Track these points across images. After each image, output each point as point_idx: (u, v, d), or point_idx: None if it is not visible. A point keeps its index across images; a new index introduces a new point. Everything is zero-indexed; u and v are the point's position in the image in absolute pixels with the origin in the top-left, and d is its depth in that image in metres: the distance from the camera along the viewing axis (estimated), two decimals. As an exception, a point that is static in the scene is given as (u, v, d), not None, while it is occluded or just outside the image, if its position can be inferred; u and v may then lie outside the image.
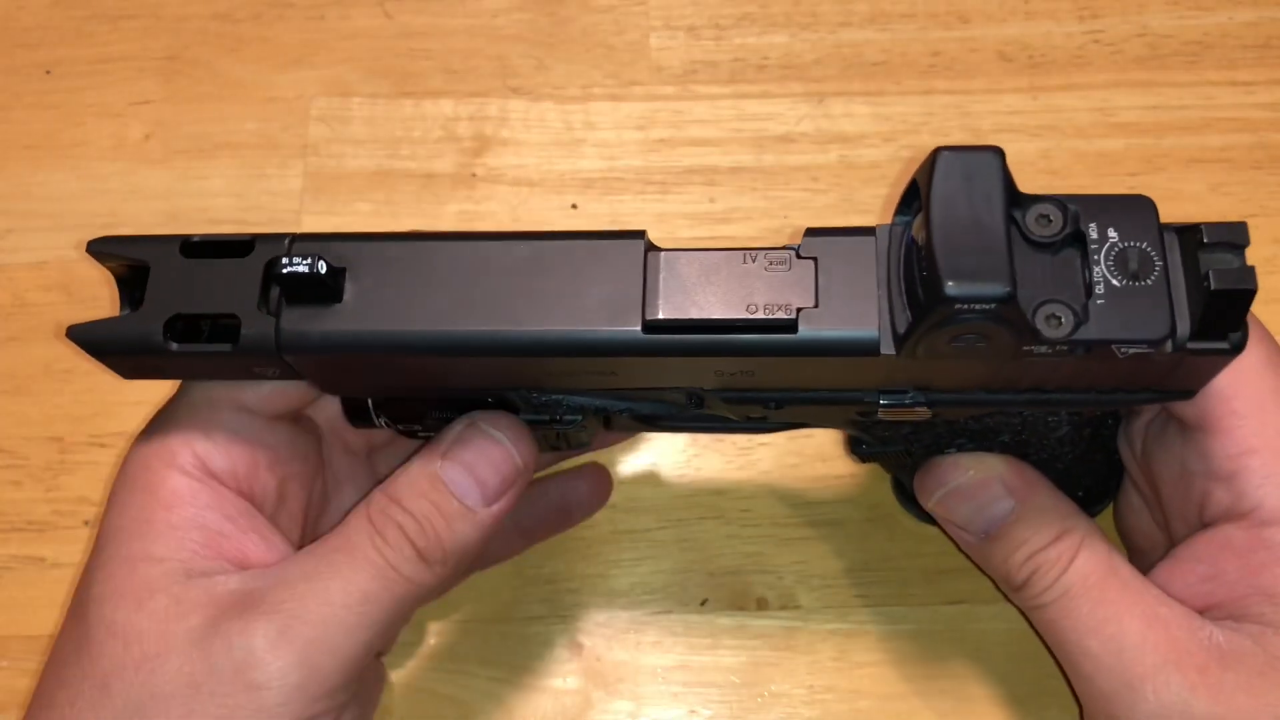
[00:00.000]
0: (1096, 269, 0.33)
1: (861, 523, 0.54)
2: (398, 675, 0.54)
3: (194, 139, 0.59)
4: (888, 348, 0.34)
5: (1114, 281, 0.33)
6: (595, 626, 0.54)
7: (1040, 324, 0.33)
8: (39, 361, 0.57)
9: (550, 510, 0.49)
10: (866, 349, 0.34)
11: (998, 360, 0.34)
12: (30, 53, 0.60)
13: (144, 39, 0.60)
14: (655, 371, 0.37)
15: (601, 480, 0.50)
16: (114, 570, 0.38)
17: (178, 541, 0.38)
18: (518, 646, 0.54)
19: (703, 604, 0.54)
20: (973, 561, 0.45)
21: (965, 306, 0.32)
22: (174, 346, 0.37)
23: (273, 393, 0.41)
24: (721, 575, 0.54)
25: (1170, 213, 0.57)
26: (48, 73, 0.60)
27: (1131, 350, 0.33)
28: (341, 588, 0.38)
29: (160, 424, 0.40)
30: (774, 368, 0.36)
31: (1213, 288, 0.33)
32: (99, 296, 0.58)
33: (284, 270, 0.35)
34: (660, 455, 0.56)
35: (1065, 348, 0.33)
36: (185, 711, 0.36)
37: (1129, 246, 0.34)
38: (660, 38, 0.59)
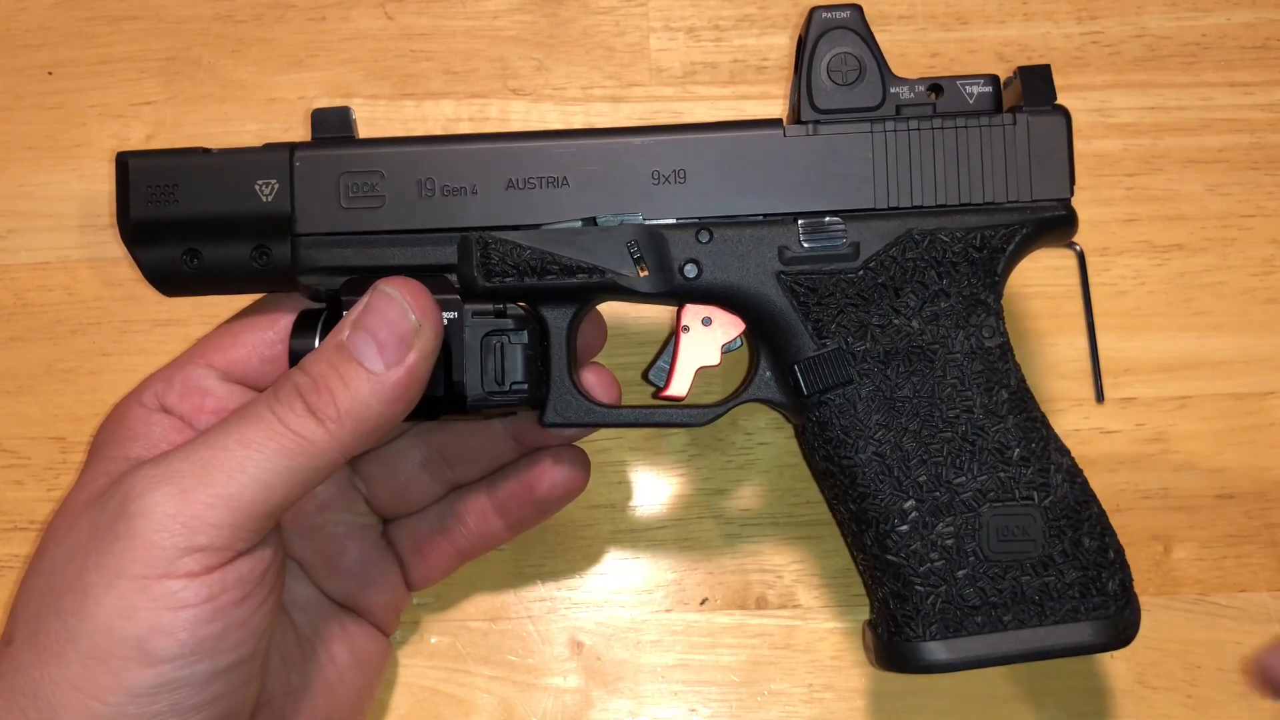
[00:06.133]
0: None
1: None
2: (399, 674, 0.54)
3: (195, 140, 0.59)
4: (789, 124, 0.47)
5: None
6: (595, 626, 0.54)
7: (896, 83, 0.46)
8: (41, 361, 0.57)
9: (520, 485, 0.49)
10: (772, 125, 0.47)
11: (868, 91, 0.46)
12: (32, 54, 0.60)
13: (146, 40, 0.60)
14: (605, 173, 0.46)
15: (578, 463, 0.50)
16: (83, 472, 0.45)
17: (127, 448, 0.45)
18: (518, 646, 0.54)
19: (703, 603, 0.55)
20: None
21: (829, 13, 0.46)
22: (214, 150, 0.47)
23: (235, 352, 0.47)
24: (721, 575, 0.55)
25: (1168, 212, 0.57)
26: (50, 74, 0.60)
27: (976, 89, 0.47)
28: (225, 438, 0.40)
29: (144, 380, 0.48)
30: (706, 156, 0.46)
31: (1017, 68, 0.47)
32: (101, 296, 0.58)
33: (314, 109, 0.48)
34: (660, 455, 0.56)
35: (923, 88, 0.46)
36: (85, 554, 0.39)
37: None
38: (660, 39, 0.59)
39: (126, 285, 0.58)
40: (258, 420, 0.40)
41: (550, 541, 0.55)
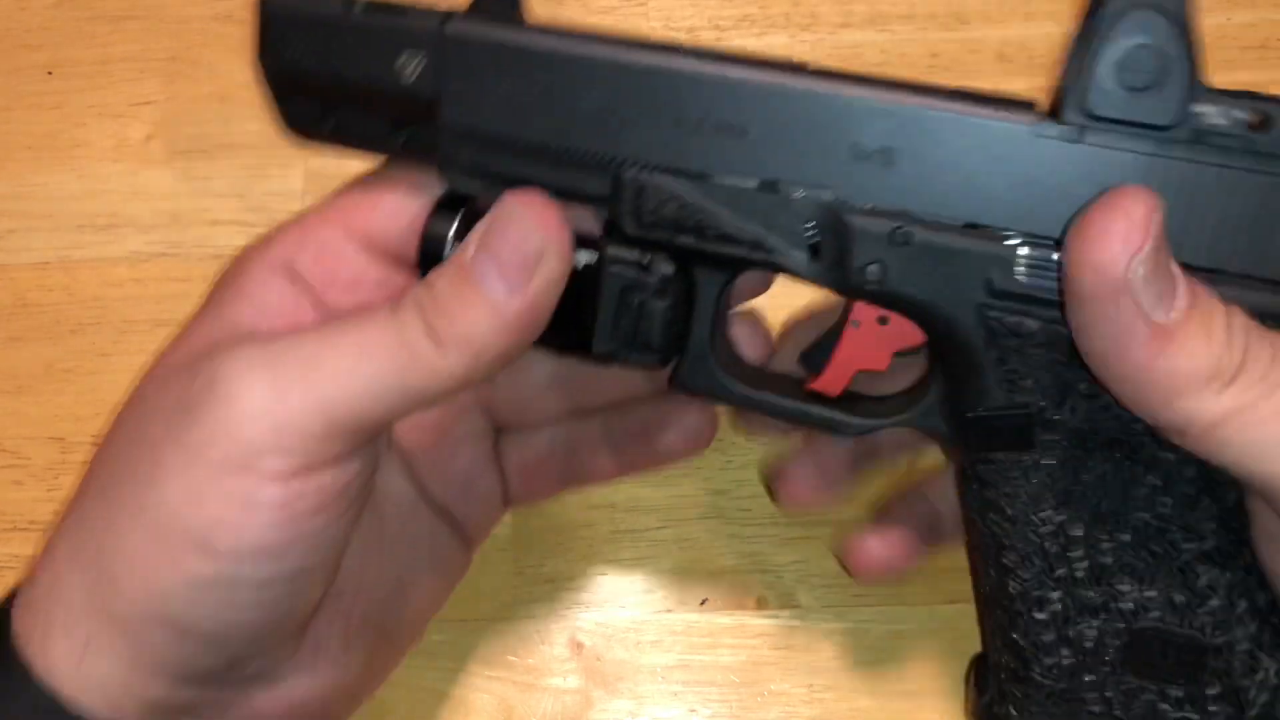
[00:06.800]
0: None
1: (861, 522, 0.54)
2: (398, 674, 0.54)
3: (196, 140, 0.59)
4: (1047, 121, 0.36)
5: None
6: (595, 626, 0.54)
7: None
8: (41, 361, 0.57)
9: (641, 431, 0.47)
10: (1023, 109, 0.36)
11: (1163, 103, 0.34)
12: (32, 53, 0.60)
13: (146, 39, 0.60)
14: (795, 132, 0.37)
15: (704, 421, 0.46)
16: (187, 324, 0.41)
17: (236, 309, 0.41)
18: (518, 646, 0.54)
19: (703, 604, 0.54)
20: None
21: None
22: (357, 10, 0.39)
23: (377, 219, 0.42)
24: (721, 575, 0.55)
25: (1169, 213, 0.57)
26: (49, 73, 0.60)
27: None
28: (341, 336, 0.37)
29: (275, 231, 0.43)
30: (924, 136, 0.36)
31: None
32: (101, 296, 0.58)
33: None
34: (660, 455, 0.56)
35: (1242, 114, 0.34)
36: (167, 425, 0.37)
37: None
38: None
39: (126, 285, 0.58)
40: (377, 327, 0.37)
41: (550, 541, 0.55)
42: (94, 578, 0.37)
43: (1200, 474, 0.36)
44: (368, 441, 0.38)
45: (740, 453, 0.56)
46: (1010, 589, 0.39)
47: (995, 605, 0.40)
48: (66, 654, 0.37)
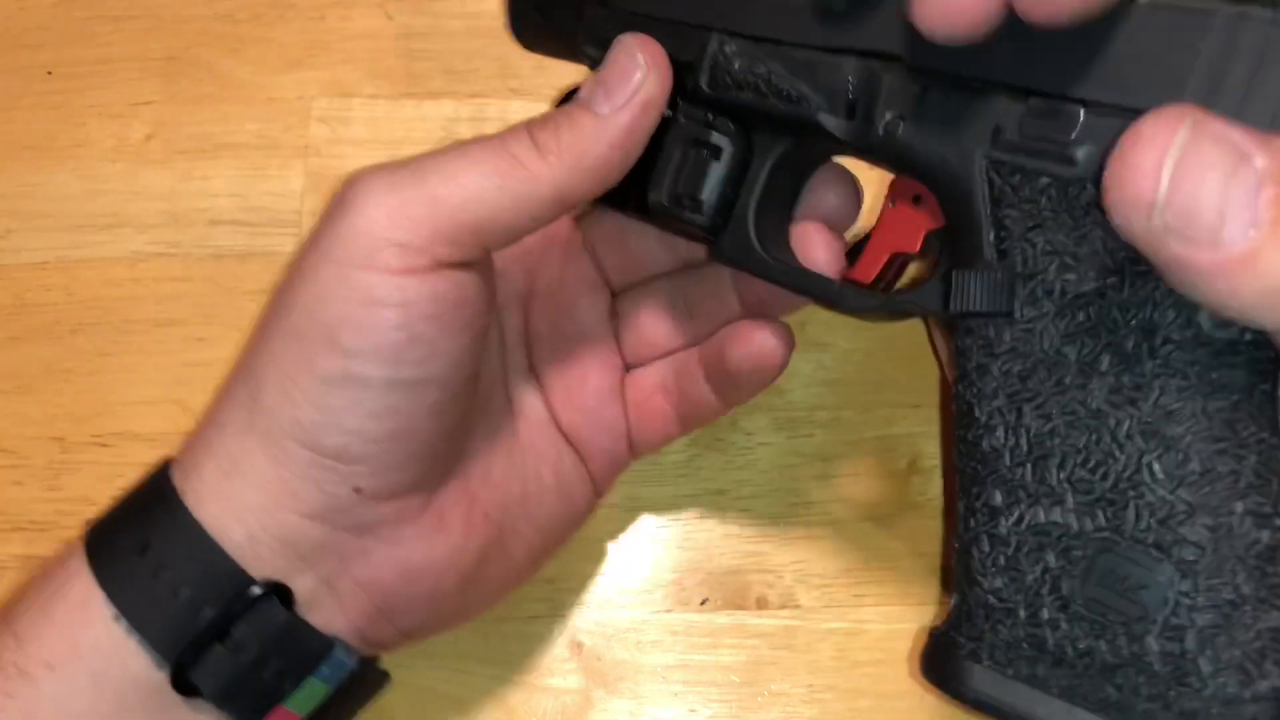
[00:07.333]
0: None
1: (861, 522, 0.54)
2: (397, 674, 0.54)
3: (195, 139, 0.59)
4: None
5: None
6: (595, 626, 0.54)
7: None
8: (40, 361, 0.57)
9: (715, 349, 0.48)
10: None
11: None
12: (32, 53, 0.60)
13: (145, 40, 0.60)
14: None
15: (773, 339, 0.46)
16: None
17: None
18: (518, 646, 0.54)
19: (703, 604, 0.54)
20: None
21: None
22: None
23: None
24: (721, 575, 0.55)
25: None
26: (49, 73, 0.60)
27: None
28: (450, 151, 0.41)
29: None
30: None
31: None
32: (101, 296, 0.58)
33: None
34: (660, 455, 0.56)
35: None
36: (310, 239, 0.41)
37: None
38: (660, 39, 0.59)
39: (126, 285, 0.58)
40: (484, 141, 0.41)
41: (550, 541, 0.55)
42: (246, 390, 0.41)
43: (1193, 361, 0.33)
44: (476, 250, 0.41)
45: (740, 453, 0.56)
46: (971, 470, 0.36)
47: (960, 504, 0.37)
48: (212, 479, 0.40)
